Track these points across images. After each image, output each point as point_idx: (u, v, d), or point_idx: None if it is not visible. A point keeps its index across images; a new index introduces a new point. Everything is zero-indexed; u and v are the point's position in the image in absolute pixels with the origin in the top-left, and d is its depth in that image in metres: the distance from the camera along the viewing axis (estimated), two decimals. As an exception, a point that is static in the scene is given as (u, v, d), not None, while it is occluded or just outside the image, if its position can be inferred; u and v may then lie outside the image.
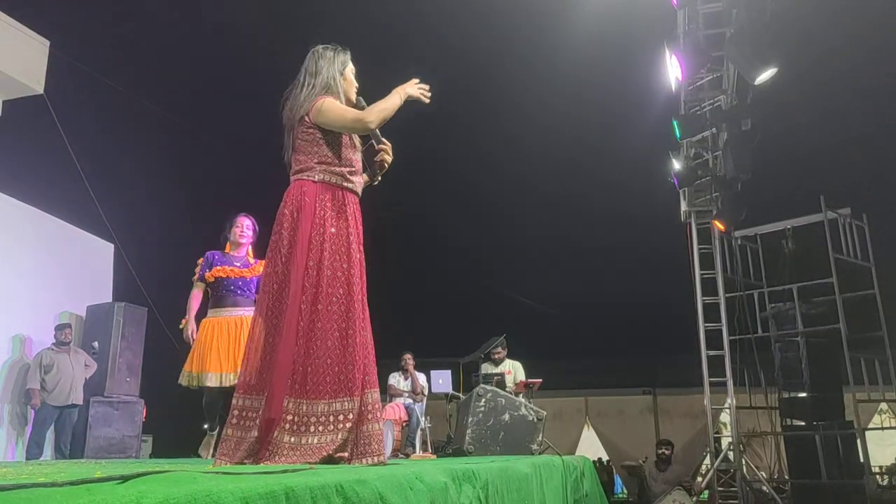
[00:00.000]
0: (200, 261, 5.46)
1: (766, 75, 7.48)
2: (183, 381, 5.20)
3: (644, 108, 11.37)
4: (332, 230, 3.00)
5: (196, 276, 5.46)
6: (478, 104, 13.31)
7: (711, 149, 9.67)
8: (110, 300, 9.65)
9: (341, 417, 2.83)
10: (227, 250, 5.37)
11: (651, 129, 10.95)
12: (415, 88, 3.18)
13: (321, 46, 3.27)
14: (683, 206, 10.00)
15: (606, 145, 13.35)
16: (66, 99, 9.29)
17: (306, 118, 3.09)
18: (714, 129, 9.39)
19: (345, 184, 3.11)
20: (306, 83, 3.18)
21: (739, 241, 9.84)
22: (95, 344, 8.92)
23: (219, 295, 5.25)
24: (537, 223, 15.09)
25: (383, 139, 3.26)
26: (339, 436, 2.80)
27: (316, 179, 3.05)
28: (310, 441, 2.79)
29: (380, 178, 3.36)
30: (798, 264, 9.34)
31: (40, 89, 8.64)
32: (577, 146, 13.37)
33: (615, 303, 14.79)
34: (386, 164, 3.30)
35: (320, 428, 2.81)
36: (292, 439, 2.77)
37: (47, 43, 8.78)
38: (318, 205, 3.02)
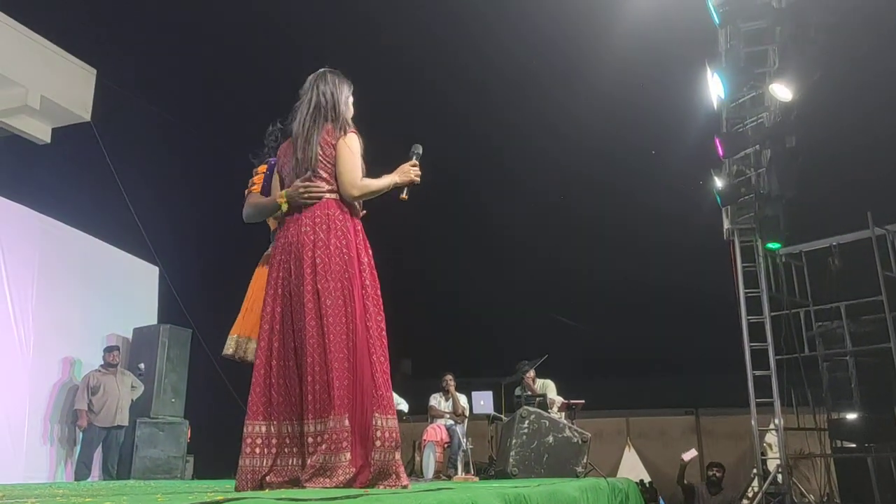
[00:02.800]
0: (262, 169, 4.00)
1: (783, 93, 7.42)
2: (229, 348, 4.02)
3: (685, 126, 11.26)
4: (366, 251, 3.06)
5: (250, 190, 3.91)
6: (509, 125, 13.25)
7: (754, 166, 9.55)
8: (156, 322, 9.81)
9: (397, 434, 2.86)
10: None
11: (693, 146, 10.84)
12: (408, 175, 3.17)
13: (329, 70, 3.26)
14: (726, 224, 9.89)
15: (646, 163, 13.24)
16: (113, 126, 9.50)
17: (332, 140, 3.07)
18: (757, 146, 9.28)
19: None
20: (334, 99, 3.17)
21: (784, 259, 9.67)
22: (142, 365, 9.07)
23: None
24: (576, 239, 15.00)
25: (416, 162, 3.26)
26: (399, 454, 2.84)
27: (339, 201, 3.07)
28: (396, 457, 2.81)
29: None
30: (845, 282, 9.15)
31: (87, 117, 8.85)
32: (615, 165, 13.28)
33: (657, 321, 14.59)
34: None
35: (393, 444, 2.82)
36: (385, 456, 2.78)
37: (94, 71, 9.01)
38: (353, 224, 3.06)
